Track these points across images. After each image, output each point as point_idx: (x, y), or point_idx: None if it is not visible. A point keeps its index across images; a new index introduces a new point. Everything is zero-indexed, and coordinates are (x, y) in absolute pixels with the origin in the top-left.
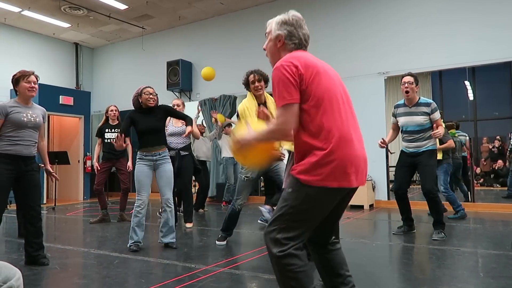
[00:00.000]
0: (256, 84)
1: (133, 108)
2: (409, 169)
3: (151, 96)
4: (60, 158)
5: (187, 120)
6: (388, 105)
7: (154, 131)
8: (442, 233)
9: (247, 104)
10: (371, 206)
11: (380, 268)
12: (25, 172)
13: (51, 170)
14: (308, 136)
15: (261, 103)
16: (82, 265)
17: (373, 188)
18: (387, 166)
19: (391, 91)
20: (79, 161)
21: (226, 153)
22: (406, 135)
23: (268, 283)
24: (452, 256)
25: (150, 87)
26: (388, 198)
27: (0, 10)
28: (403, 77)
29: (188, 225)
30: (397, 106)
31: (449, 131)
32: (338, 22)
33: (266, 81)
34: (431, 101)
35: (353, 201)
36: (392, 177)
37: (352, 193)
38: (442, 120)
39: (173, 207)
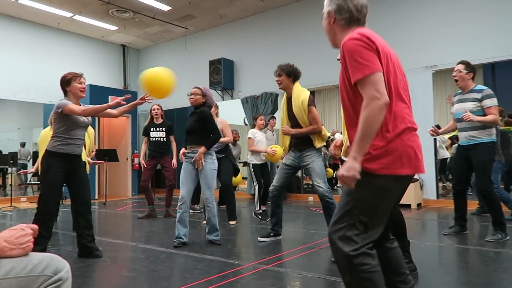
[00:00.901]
0: (276, 79)
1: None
2: (465, 163)
3: (190, 96)
4: (109, 155)
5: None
6: (437, 100)
7: (191, 131)
8: (499, 235)
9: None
10: (418, 205)
11: (430, 270)
12: (74, 169)
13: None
14: None
15: (289, 97)
16: (131, 259)
17: (421, 187)
18: (436, 164)
19: (440, 86)
20: (127, 159)
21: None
22: (458, 123)
23: (312, 282)
24: (510, 259)
25: (195, 87)
26: (437, 197)
27: (54, 16)
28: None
29: (232, 222)
30: (455, 95)
31: (506, 127)
32: (381, 13)
33: (288, 74)
34: (485, 87)
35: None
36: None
37: (409, 182)
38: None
39: (213, 205)
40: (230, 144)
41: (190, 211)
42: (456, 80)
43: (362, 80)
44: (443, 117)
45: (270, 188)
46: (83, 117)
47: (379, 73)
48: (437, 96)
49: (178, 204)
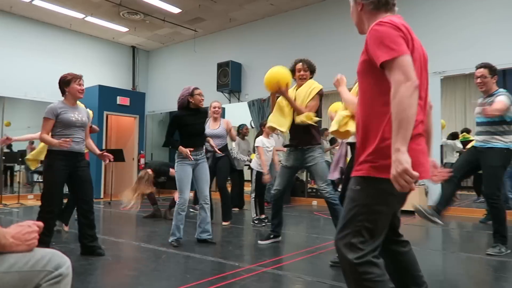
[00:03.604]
0: (302, 72)
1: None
2: (469, 161)
3: (203, 98)
4: (116, 155)
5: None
6: (445, 107)
7: (201, 133)
8: (499, 248)
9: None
10: None
11: (430, 277)
12: (77, 168)
13: (100, 152)
14: (383, 118)
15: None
16: (133, 258)
17: (426, 193)
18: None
19: (449, 92)
20: (133, 159)
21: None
22: (477, 127)
23: (311, 285)
24: None
25: (199, 89)
26: None
27: (67, 17)
28: (476, 69)
29: (225, 223)
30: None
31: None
32: None
33: (312, 72)
34: (501, 90)
35: (403, 207)
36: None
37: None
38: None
39: (209, 204)
40: (239, 139)
41: (191, 210)
42: (480, 86)
43: (389, 62)
44: (451, 124)
45: (272, 191)
46: (76, 117)
47: (406, 56)
48: (446, 103)
49: (182, 207)
